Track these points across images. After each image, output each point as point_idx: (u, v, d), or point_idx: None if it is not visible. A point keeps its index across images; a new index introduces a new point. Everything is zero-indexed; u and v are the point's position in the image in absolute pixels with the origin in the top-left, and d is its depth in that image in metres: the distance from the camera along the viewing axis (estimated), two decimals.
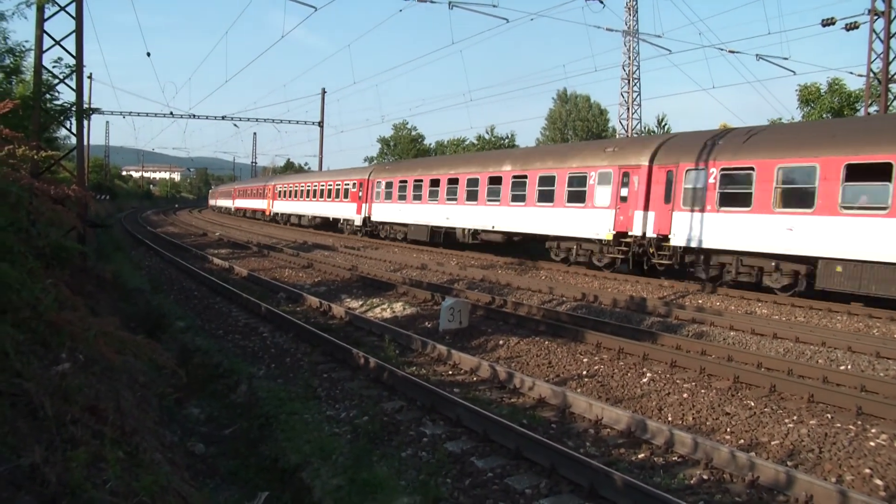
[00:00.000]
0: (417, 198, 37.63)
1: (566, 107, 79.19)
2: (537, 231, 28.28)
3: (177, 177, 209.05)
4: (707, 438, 8.54)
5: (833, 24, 30.71)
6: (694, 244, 21.68)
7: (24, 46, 21.81)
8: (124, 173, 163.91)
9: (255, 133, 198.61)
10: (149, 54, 39.40)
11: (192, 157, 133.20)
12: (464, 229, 33.46)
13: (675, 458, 8.21)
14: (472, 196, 32.62)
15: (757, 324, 15.95)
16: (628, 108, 47.02)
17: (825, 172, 18.17)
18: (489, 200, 31.31)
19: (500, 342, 14.46)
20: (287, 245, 36.91)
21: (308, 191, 55.86)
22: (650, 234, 23.24)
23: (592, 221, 25.31)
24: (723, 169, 20.87)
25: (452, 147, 78.32)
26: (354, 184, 45.90)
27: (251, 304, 17.54)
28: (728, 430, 9.48)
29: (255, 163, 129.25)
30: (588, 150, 27.94)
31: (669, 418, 10.03)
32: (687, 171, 21.96)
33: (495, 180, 31.05)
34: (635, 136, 25.81)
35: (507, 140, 75.56)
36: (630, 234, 23.92)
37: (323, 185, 52.15)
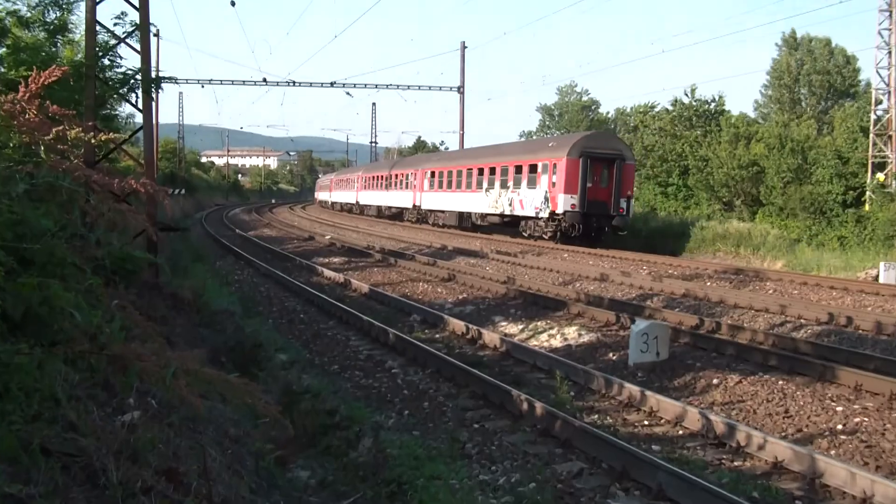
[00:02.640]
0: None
1: (796, 55, 76.76)
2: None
3: (272, 163, 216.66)
4: None
5: None
6: None
7: None
8: (204, 160, 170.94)
9: (373, 103, 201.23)
10: (233, 3, 41.08)
11: (293, 137, 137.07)
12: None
13: None
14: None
15: None
16: (889, 53, 45.12)
17: None
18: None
19: (714, 381, 14.06)
20: (419, 251, 37.38)
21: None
22: None
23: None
24: None
25: (638, 116, 74.24)
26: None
27: (375, 330, 17.78)
28: None
29: (375, 143, 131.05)
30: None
31: None
32: None
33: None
34: None
35: (713, 104, 68.44)
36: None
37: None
